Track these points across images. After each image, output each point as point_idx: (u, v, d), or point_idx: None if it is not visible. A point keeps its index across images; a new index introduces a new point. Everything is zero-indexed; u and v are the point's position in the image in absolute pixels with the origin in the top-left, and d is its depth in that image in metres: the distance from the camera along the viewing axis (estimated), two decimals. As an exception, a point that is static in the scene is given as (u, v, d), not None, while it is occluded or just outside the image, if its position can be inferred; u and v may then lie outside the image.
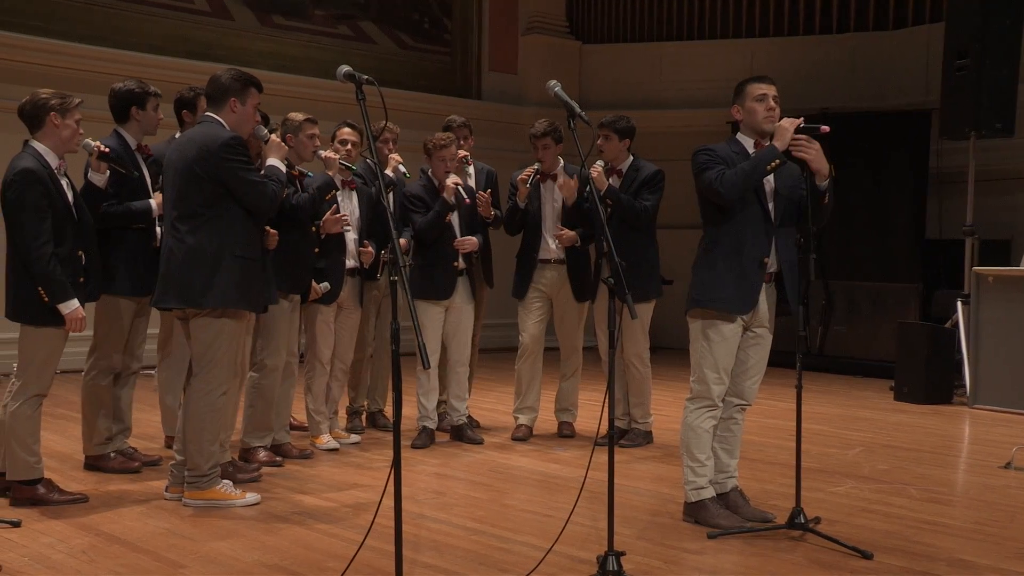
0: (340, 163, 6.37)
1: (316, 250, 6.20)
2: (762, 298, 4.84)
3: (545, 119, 6.96)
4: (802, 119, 4.69)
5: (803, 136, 4.65)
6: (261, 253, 5.18)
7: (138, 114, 5.75)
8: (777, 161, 4.65)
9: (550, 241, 6.89)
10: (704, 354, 4.81)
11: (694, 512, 4.90)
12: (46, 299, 4.87)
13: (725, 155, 4.77)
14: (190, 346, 5.11)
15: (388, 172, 6.82)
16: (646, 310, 6.63)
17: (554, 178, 6.90)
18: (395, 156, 6.96)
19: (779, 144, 4.64)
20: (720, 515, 4.81)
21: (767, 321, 4.91)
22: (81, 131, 5.13)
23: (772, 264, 4.82)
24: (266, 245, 5.49)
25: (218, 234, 4.90)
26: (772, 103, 4.76)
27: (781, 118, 4.74)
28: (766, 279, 4.82)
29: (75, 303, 4.93)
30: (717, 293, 4.72)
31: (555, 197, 6.88)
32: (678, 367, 10.24)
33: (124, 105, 5.75)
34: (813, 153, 4.65)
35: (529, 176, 6.79)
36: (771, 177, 4.76)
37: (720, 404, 4.88)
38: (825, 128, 4.64)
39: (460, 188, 6.64)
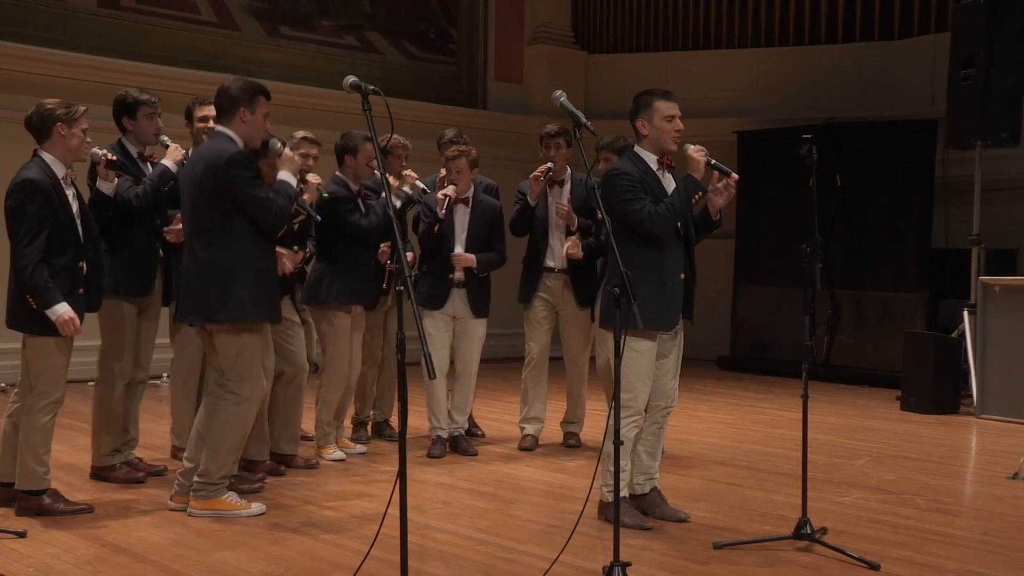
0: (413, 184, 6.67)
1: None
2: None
3: (555, 123, 6.99)
4: (706, 152, 4.94)
5: (723, 184, 4.98)
6: (274, 264, 5.21)
7: (128, 124, 5.73)
8: (700, 193, 4.89)
9: (556, 248, 6.89)
10: (631, 364, 4.84)
11: (605, 510, 5.00)
12: (34, 306, 4.85)
13: (640, 178, 4.90)
14: (214, 360, 5.12)
15: (406, 188, 6.80)
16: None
17: (562, 184, 6.91)
18: (410, 173, 6.93)
19: (698, 175, 4.89)
20: (626, 514, 4.84)
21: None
22: (88, 140, 5.13)
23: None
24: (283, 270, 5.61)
25: (231, 248, 4.92)
26: (680, 124, 4.95)
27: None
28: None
29: (62, 307, 4.85)
30: (643, 312, 4.63)
31: (563, 203, 6.87)
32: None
33: (117, 114, 5.74)
34: (727, 199, 5.01)
35: (542, 173, 6.78)
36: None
37: (644, 412, 4.97)
38: (735, 175, 4.95)
39: (450, 202, 6.59)
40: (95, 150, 5.37)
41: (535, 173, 6.81)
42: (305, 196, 6.07)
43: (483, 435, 7.41)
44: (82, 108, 5.10)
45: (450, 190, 6.61)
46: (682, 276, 4.95)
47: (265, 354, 5.85)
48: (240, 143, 5.02)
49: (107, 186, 5.46)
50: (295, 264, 6.01)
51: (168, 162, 5.64)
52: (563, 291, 6.92)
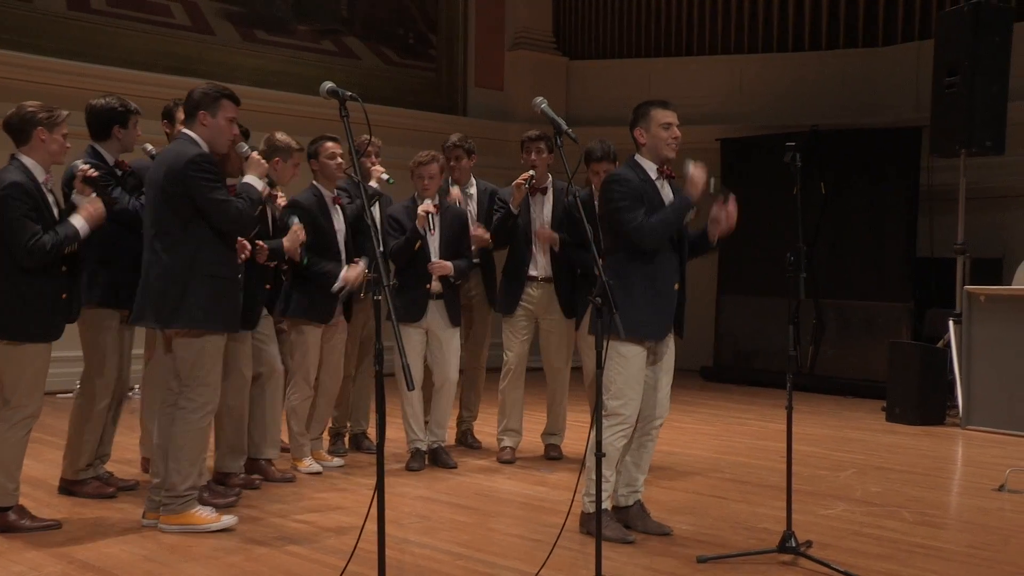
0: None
1: (268, 286, 6.08)
2: None
3: (537, 128, 6.93)
4: (707, 171, 4.89)
5: (724, 213, 4.93)
6: (237, 272, 5.11)
7: (119, 132, 5.66)
8: (694, 212, 4.88)
9: (539, 257, 6.81)
10: (620, 371, 4.83)
11: (587, 523, 4.94)
12: (74, 248, 4.90)
13: (637, 185, 4.91)
14: (171, 364, 5.03)
15: (372, 183, 6.73)
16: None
17: (544, 191, 6.84)
18: (376, 167, 6.86)
19: (694, 194, 4.85)
20: (608, 527, 4.79)
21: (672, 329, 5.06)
22: (68, 146, 5.07)
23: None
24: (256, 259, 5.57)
25: (190, 253, 4.85)
26: (676, 132, 4.97)
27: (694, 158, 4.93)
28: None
29: (79, 221, 4.94)
30: (633, 319, 4.62)
31: (544, 213, 6.83)
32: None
33: (105, 122, 5.65)
34: (726, 230, 4.99)
35: (525, 180, 6.70)
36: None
37: (634, 422, 4.94)
38: (733, 206, 4.91)
39: (431, 216, 6.51)
40: (76, 163, 5.27)
41: (518, 180, 6.72)
42: (285, 242, 5.98)
43: (480, 447, 7.34)
44: (64, 113, 5.06)
45: (429, 206, 6.49)
46: (676, 287, 4.93)
47: (244, 362, 5.79)
48: (204, 146, 4.97)
49: (82, 200, 5.32)
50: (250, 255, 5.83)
51: None
52: (546, 300, 6.84)
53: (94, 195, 5.34)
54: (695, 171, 4.86)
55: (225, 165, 5.28)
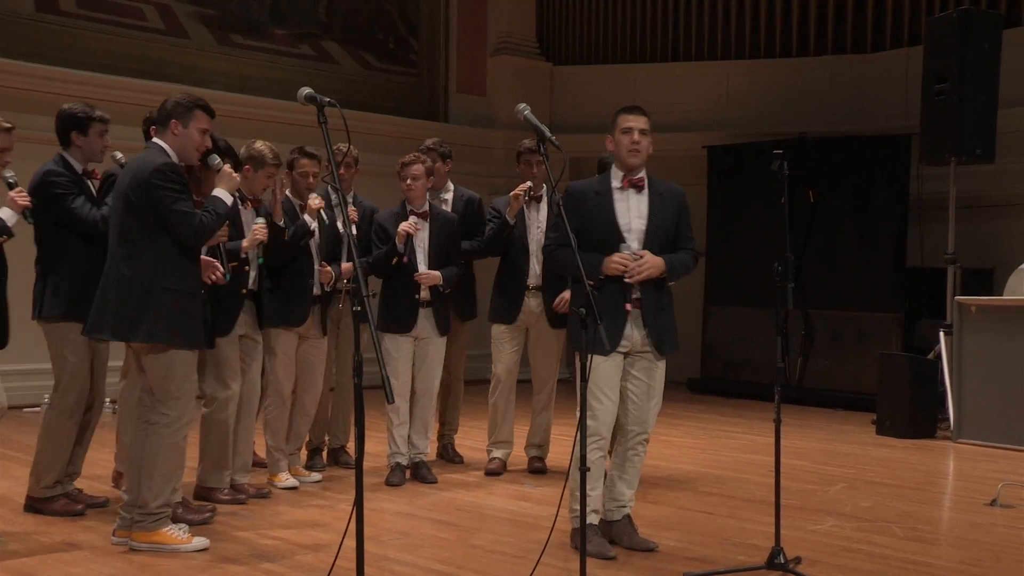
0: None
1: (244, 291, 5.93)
2: (637, 326, 4.86)
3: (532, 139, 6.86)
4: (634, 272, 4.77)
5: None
6: (199, 287, 4.99)
7: (79, 139, 5.53)
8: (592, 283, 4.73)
9: (535, 267, 6.75)
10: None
11: (574, 537, 4.89)
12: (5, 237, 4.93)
13: (579, 202, 4.86)
14: (142, 379, 4.93)
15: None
16: None
17: (539, 199, 6.80)
18: (352, 212, 6.73)
19: (604, 271, 4.78)
20: (590, 541, 4.67)
21: (648, 345, 4.90)
22: (8, 160, 4.96)
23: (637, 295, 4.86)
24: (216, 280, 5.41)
25: (151, 265, 4.75)
26: (636, 136, 4.86)
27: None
28: (636, 305, 4.84)
29: (5, 212, 4.95)
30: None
31: (539, 220, 6.78)
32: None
33: (65, 129, 5.54)
34: (644, 274, 4.78)
35: (524, 191, 6.64)
36: (643, 217, 4.86)
37: (606, 435, 4.87)
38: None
39: (410, 235, 6.38)
40: (7, 174, 5.14)
41: (516, 192, 6.67)
42: (244, 243, 5.84)
43: (461, 461, 7.25)
44: (7, 125, 4.95)
45: (411, 225, 6.35)
46: (628, 305, 4.82)
47: (229, 373, 5.71)
48: (173, 156, 4.87)
49: (7, 213, 5.15)
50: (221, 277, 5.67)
51: None
52: (537, 310, 6.78)
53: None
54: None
55: (196, 186, 5.17)
